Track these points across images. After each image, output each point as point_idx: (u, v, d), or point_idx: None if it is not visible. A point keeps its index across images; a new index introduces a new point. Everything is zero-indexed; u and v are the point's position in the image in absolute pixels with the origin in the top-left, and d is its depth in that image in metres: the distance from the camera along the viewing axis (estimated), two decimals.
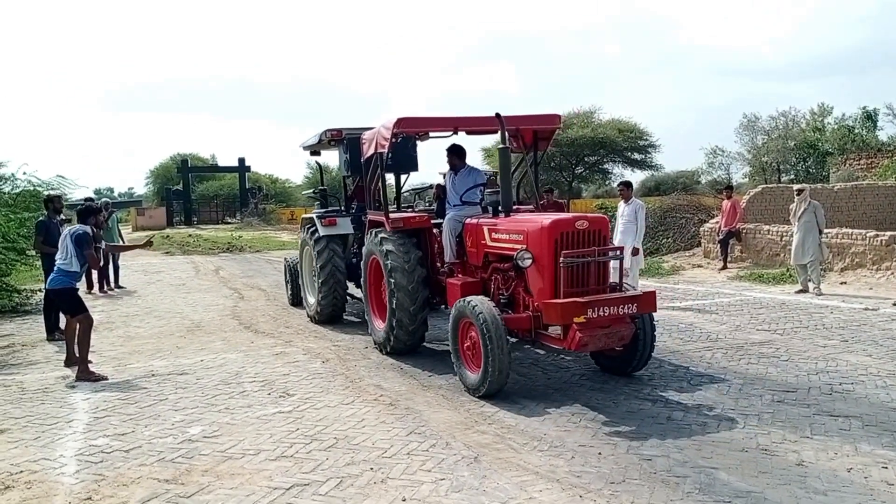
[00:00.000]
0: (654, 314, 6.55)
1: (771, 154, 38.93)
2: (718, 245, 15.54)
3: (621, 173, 38.26)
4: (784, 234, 14.05)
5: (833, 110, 40.42)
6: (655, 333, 6.66)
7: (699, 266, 15.82)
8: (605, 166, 39.11)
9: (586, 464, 4.68)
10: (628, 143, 36.27)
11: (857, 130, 37.28)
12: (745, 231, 15.33)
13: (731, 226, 15.25)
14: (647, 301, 6.13)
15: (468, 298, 6.37)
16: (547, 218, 6.39)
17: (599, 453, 4.85)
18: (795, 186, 12.82)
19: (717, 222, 16.15)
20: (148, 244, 8.57)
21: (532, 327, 6.29)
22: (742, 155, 42.55)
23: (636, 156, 37.57)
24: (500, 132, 7.21)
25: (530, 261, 6.20)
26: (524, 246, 6.29)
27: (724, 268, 14.95)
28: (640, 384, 6.49)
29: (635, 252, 10.56)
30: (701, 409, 5.71)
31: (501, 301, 6.67)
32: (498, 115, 7.17)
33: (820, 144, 36.87)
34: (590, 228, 6.21)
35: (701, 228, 17.02)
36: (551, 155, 34.75)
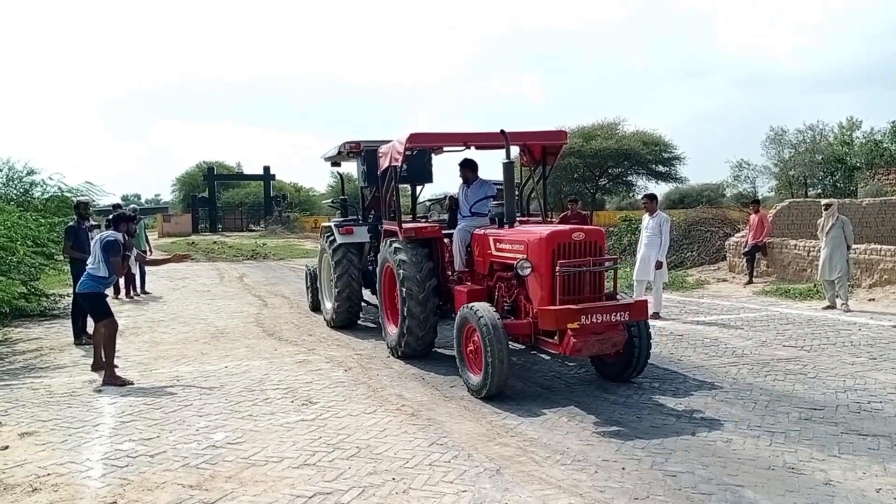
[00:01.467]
0: (649, 322, 6.92)
1: (798, 168, 38.45)
2: (744, 259, 15.39)
3: (645, 185, 38.08)
4: (811, 249, 13.88)
5: (862, 124, 39.84)
6: (651, 342, 6.96)
7: (724, 280, 15.66)
8: (629, 178, 38.95)
9: (610, 479, 4.64)
10: (653, 156, 36.11)
11: (885, 145, 36.73)
12: (771, 245, 15.16)
13: (758, 240, 15.10)
14: (639, 309, 6.39)
15: (472, 305, 6.66)
16: (546, 229, 6.73)
17: (623, 468, 4.81)
18: (823, 201, 12.66)
19: (743, 236, 16.00)
20: (186, 257, 8.93)
21: (532, 333, 6.60)
22: (768, 168, 42.08)
23: (660, 168, 37.39)
24: (505, 148, 7.47)
25: (530, 269, 6.51)
26: (524, 255, 6.61)
27: (750, 282, 14.79)
28: (664, 399, 6.44)
29: (659, 266, 10.51)
30: (725, 426, 5.65)
31: (505, 308, 6.99)
32: (503, 131, 7.48)
33: (848, 158, 36.36)
34: (586, 240, 6.49)
35: (726, 242, 16.86)
36: (574, 166, 34.72)
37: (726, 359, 7.98)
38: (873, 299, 11.95)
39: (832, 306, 11.27)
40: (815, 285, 12.81)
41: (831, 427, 5.57)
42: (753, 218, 15.57)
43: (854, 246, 11.98)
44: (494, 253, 7.28)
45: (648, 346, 6.86)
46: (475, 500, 4.34)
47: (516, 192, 8.26)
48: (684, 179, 41.05)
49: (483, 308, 6.50)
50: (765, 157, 42.74)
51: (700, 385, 6.88)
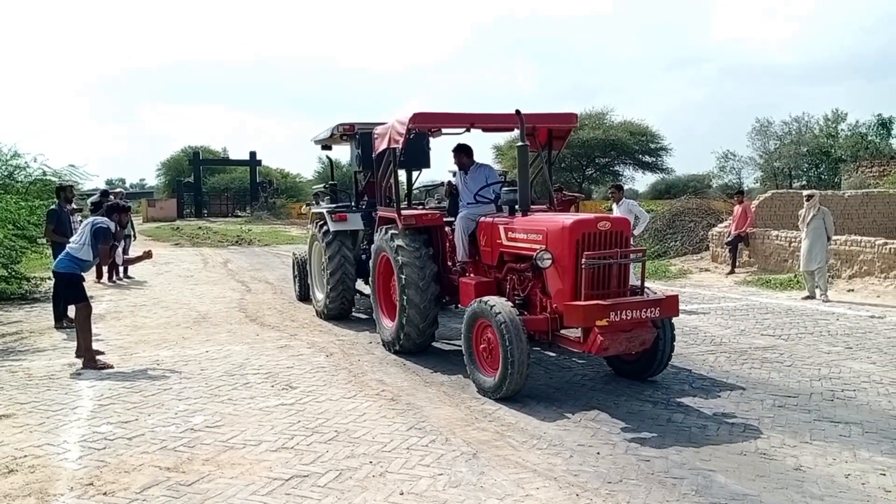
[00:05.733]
0: (673, 319, 6.40)
1: (783, 159, 38.76)
2: (727, 249, 15.50)
3: (632, 175, 38.32)
4: (792, 239, 14.01)
5: (847, 117, 40.15)
6: (675, 338, 6.54)
7: (707, 270, 15.78)
8: (616, 168, 39.12)
9: (584, 463, 4.70)
10: (640, 146, 36.28)
11: (870, 138, 37.05)
12: (753, 236, 15.29)
13: (741, 230, 15.22)
14: (670, 305, 6.00)
15: (486, 299, 6.22)
16: (568, 218, 6.26)
17: (598, 453, 4.87)
18: (805, 192, 12.77)
19: (727, 226, 16.11)
20: (147, 255, 8.33)
21: (550, 329, 6.17)
22: (754, 160, 42.39)
23: (647, 158, 37.57)
24: (519, 129, 7.02)
25: (550, 261, 6.05)
26: (543, 246, 6.15)
27: (732, 272, 14.92)
28: (641, 386, 6.50)
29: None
30: (701, 412, 5.72)
31: (517, 302, 6.48)
32: (518, 111, 6.97)
33: (833, 151, 36.66)
34: (612, 229, 6.06)
35: (709, 232, 16.98)
36: (562, 156, 34.78)
37: (704, 347, 8.06)
38: (852, 290, 12.09)
39: (812, 296, 11.40)
40: (795, 275, 12.95)
41: (804, 414, 5.65)
42: (737, 208, 15.68)
43: (834, 237, 12.12)
44: (505, 243, 6.81)
45: (672, 345, 6.46)
46: (451, 483, 4.38)
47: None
48: (670, 170, 41.29)
49: (499, 303, 6.06)
50: (750, 149, 43.07)
51: (677, 372, 6.94)
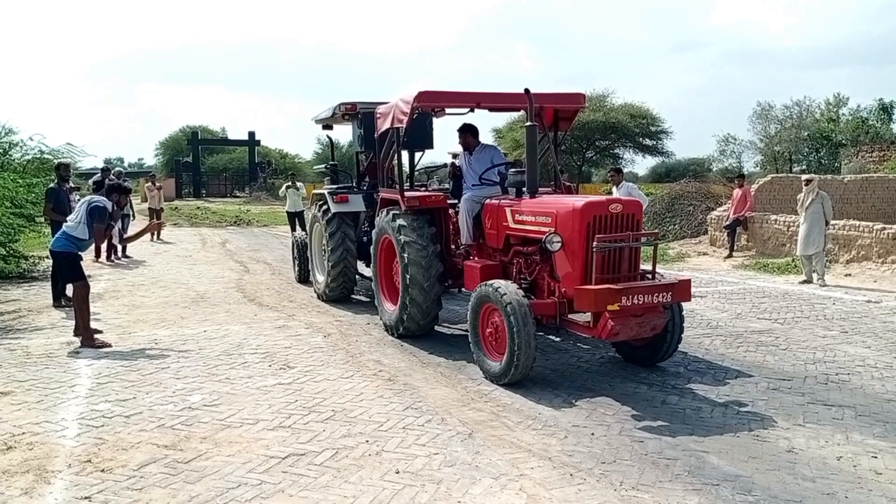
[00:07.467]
0: (682, 304, 6.26)
1: (783, 143, 38.67)
2: (725, 233, 15.52)
3: (632, 158, 38.16)
4: (791, 224, 14.01)
5: (848, 101, 40.04)
6: (684, 325, 6.43)
7: (705, 254, 15.81)
8: (616, 151, 38.94)
9: (579, 443, 4.73)
10: (640, 129, 36.09)
11: (871, 122, 36.96)
12: (751, 220, 15.29)
13: (740, 214, 15.22)
14: (683, 290, 5.87)
15: (492, 282, 6.11)
16: (579, 200, 6.12)
17: (592, 433, 4.91)
18: (804, 177, 12.76)
19: (725, 210, 16.11)
20: (156, 227, 8.20)
21: (558, 313, 6.09)
22: (754, 143, 42.30)
23: (647, 141, 37.39)
24: (528, 109, 6.86)
25: (560, 245, 5.94)
26: (553, 229, 6.03)
27: (730, 256, 14.94)
28: (636, 369, 6.53)
29: None
30: (695, 394, 5.76)
31: (523, 286, 6.34)
32: (527, 90, 6.80)
33: (833, 135, 36.58)
34: (623, 212, 5.92)
35: (708, 216, 16.98)
36: (562, 138, 34.68)
37: (701, 330, 8.09)
38: (850, 274, 12.12)
39: (809, 281, 11.43)
40: (793, 260, 12.97)
41: (798, 397, 5.69)
42: (737, 192, 15.68)
43: (833, 222, 12.13)
44: (512, 225, 6.71)
45: (681, 330, 6.32)
46: (446, 463, 4.42)
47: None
48: (671, 153, 41.15)
49: (506, 286, 5.94)
50: (751, 133, 42.98)
51: (673, 355, 6.95)
